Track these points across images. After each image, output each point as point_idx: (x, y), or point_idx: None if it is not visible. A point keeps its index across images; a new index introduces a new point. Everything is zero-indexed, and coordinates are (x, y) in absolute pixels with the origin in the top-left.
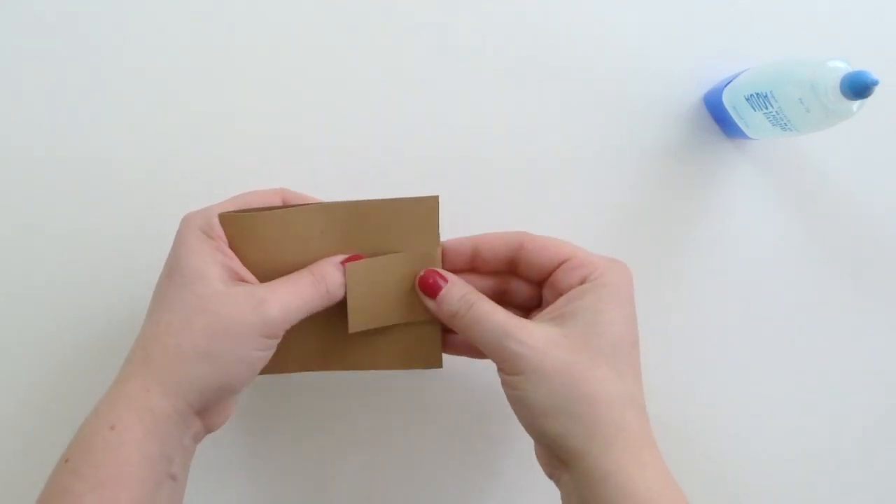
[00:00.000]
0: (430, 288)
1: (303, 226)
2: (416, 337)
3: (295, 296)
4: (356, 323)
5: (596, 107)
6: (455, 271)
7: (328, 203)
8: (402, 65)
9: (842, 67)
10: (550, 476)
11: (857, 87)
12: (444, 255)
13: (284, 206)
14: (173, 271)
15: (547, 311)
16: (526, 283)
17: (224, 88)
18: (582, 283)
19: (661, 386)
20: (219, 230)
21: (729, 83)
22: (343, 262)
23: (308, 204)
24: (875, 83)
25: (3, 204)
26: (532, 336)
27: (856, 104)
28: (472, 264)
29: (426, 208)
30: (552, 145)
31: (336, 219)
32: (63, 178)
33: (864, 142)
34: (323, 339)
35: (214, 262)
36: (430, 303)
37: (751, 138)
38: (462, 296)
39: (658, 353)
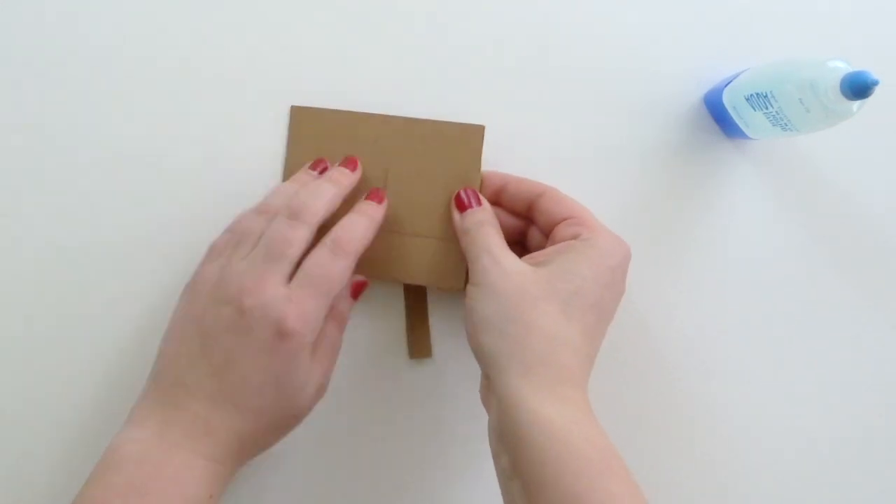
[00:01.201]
0: (460, 203)
1: (362, 130)
2: (444, 257)
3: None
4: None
5: (596, 107)
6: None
7: (387, 116)
8: (400, 64)
9: (842, 67)
10: (484, 403)
11: (857, 87)
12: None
13: (350, 112)
14: (279, 381)
15: (533, 254)
16: (540, 232)
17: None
18: (573, 238)
19: (660, 385)
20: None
21: (729, 83)
22: (351, 293)
23: (370, 113)
24: (875, 83)
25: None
26: (505, 259)
27: (856, 104)
28: (497, 198)
29: (472, 135)
30: (552, 145)
31: (390, 131)
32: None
33: (864, 142)
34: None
35: (314, 382)
36: (455, 215)
37: (751, 138)
38: (480, 220)
39: (657, 351)
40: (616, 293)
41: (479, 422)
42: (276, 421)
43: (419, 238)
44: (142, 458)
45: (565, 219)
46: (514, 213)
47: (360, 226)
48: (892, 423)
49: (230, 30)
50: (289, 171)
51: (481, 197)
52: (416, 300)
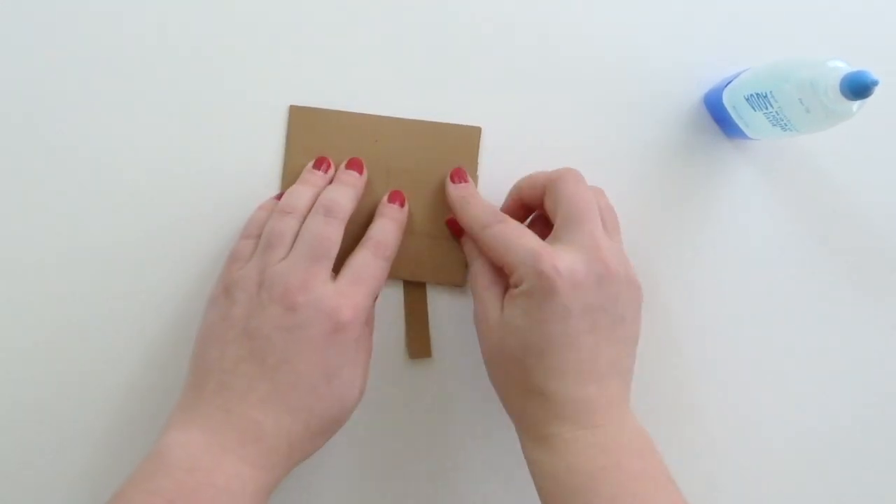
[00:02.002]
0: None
1: (361, 131)
2: (444, 254)
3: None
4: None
5: (595, 106)
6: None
7: (386, 117)
8: (399, 65)
9: (842, 67)
10: None
11: (857, 87)
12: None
13: (348, 112)
14: (331, 377)
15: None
16: None
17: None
18: (517, 285)
19: (659, 385)
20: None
21: (729, 83)
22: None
23: (369, 114)
24: (875, 83)
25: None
26: (485, 311)
27: (856, 104)
28: (522, 204)
29: (469, 137)
30: (551, 146)
31: (389, 132)
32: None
33: (864, 142)
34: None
35: (360, 380)
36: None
37: (751, 138)
38: (468, 251)
39: (657, 351)
40: (591, 308)
41: (478, 422)
42: (324, 423)
43: (419, 236)
44: (192, 465)
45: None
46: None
47: (394, 229)
48: (892, 423)
49: (228, 31)
50: (288, 172)
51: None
52: (415, 301)
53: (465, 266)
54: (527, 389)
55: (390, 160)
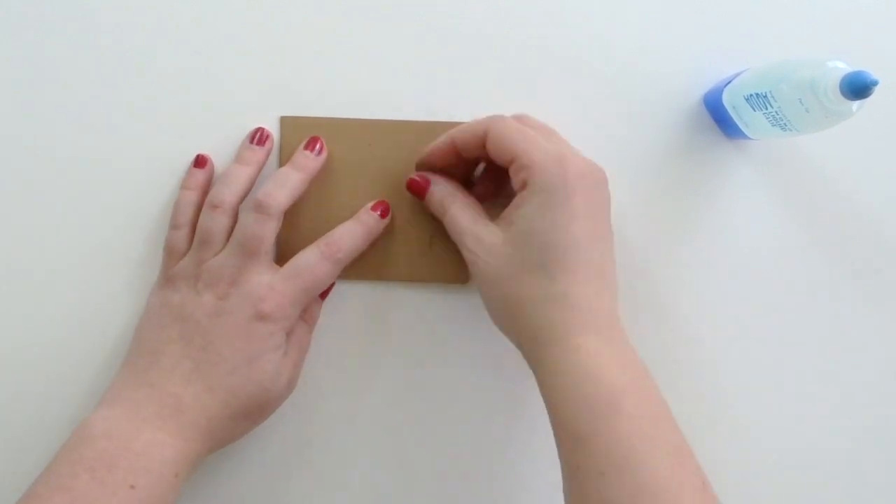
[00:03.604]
0: (418, 189)
1: (354, 136)
2: (444, 252)
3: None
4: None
5: (595, 106)
6: (445, 167)
7: (380, 120)
8: (394, 66)
9: (841, 68)
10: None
11: (857, 87)
12: (431, 154)
13: (341, 118)
14: (252, 363)
15: (503, 214)
16: None
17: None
18: (523, 187)
19: (659, 385)
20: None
21: (729, 83)
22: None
23: (360, 119)
24: (875, 83)
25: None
26: (479, 242)
27: (855, 104)
28: (457, 158)
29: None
30: None
31: (384, 135)
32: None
33: (864, 142)
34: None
35: (286, 373)
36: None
37: (751, 138)
38: (440, 200)
39: (657, 351)
40: (593, 213)
41: (477, 423)
42: (247, 407)
43: (419, 237)
44: (110, 434)
45: (511, 161)
46: (473, 160)
47: (357, 235)
48: (892, 423)
49: (219, 40)
50: None
51: (428, 175)
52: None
53: (464, 263)
54: (549, 296)
55: (386, 163)
